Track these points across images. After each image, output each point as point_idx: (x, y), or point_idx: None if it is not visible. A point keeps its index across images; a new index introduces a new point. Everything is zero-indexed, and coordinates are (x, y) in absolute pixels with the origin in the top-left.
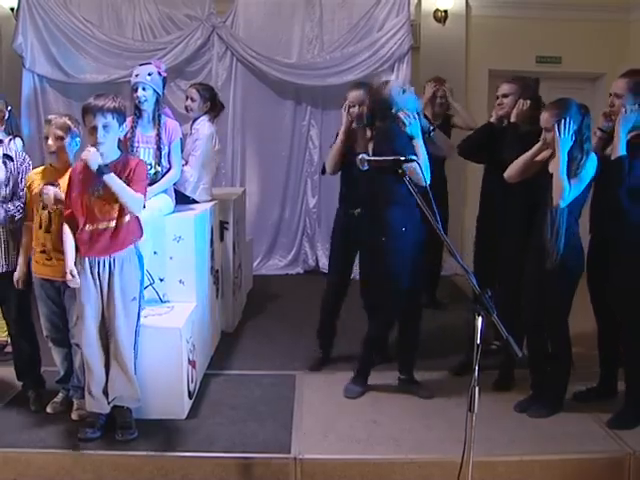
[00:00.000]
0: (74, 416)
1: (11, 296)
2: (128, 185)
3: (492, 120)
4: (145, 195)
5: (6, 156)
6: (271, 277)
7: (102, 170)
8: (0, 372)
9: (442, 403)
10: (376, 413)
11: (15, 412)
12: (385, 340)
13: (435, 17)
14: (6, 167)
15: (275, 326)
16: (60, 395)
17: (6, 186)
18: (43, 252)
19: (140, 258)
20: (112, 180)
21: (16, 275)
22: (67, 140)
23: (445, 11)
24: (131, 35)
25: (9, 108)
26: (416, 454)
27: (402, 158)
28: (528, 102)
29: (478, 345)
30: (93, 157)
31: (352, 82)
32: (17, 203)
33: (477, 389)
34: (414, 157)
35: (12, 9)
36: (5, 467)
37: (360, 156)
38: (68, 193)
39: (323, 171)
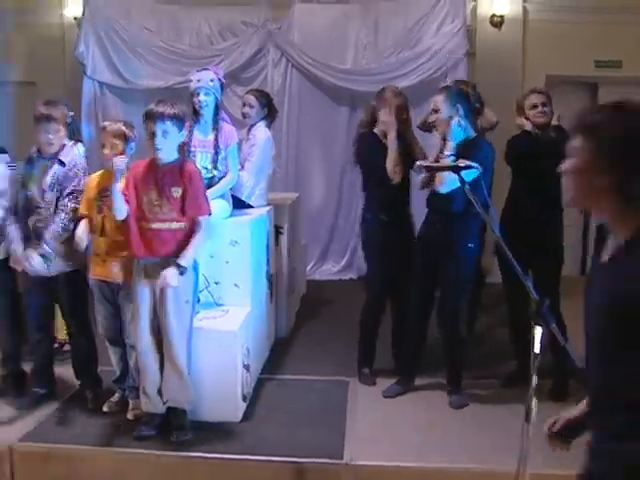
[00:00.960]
0: (130, 416)
1: (68, 297)
2: (185, 199)
3: (529, 129)
4: (208, 207)
5: (60, 162)
6: (324, 282)
7: (182, 272)
8: (59, 371)
9: (495, 411)
10: (429, 420)
11: (73, 410)
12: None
13: (491, 22)
14: (56, 172)
15: (328, 332)
16: (116, 395)
17: (52, 191)
18: (97, 255)
19: (195, 262)
20: (189, 261)
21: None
22: (122, 146)
23: (502, 16)
24: (188, 42)
25: (71, 114)
26: (470, 463)
27: (461, 165)
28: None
29: (536, 355)
30: (172, 280)
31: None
32: (63, 215)
33: (534, 400)
34: (474, 164)
35: (75, 18)
36: (62, 463)
37: (417, 163)
38: (125, 190)
39: (381, 182)
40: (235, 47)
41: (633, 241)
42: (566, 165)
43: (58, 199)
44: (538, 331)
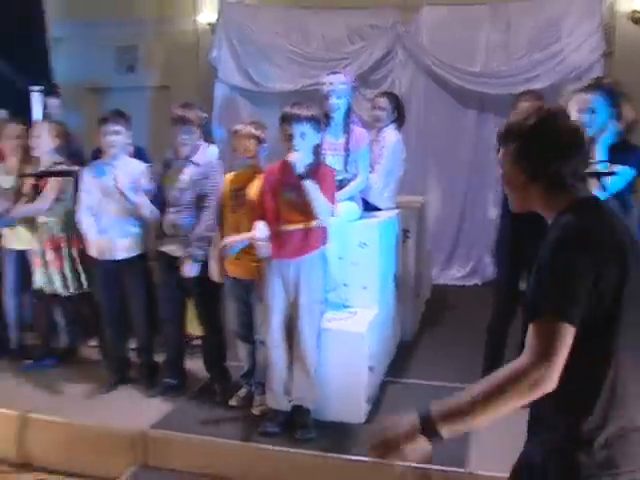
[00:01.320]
0: (255, 411)
1: (200, 292)
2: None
3: None
4: (335, 204)
5: (194, 163)
6: (448, 287)
7: (303, 175)
8: (189, 364)
9: None
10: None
11: (201, 402)
12: None
13: (632, 19)
14: (192, 173)
15: (452, 336)
16: (243, 389)
17: (189, 191)
18: None
19: (326, 263)
20: (310, 186)
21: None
22: (255, 148)
23: None
24: (317, 45)
25: (205, 116)
26: None
27: (603, 170)
28: None
29: None
30: (299, 161)
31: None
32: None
33: None
34: (617, 168)
35: (209, 25)
36: (192, 451)
37: None
38: (260, 195)
39: None
40: (363, 50)
41: (553, 221)
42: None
43: (195, 200)
44: None
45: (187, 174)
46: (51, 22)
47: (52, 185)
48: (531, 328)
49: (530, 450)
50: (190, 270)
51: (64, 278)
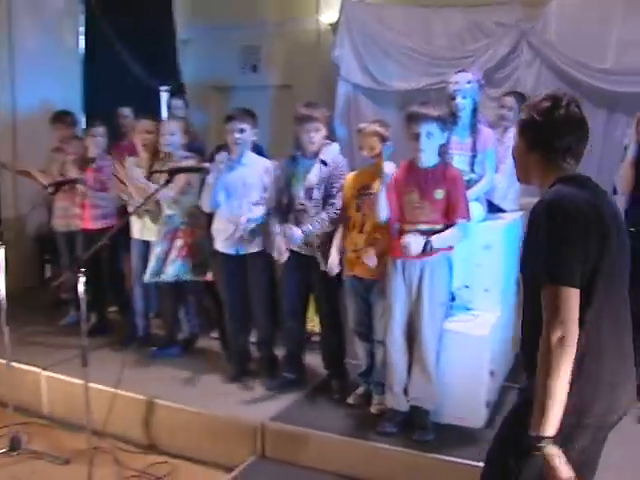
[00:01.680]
0: (373, 410)
1: (322, 289)
2: (448, 202)
3: None
4: (468, 212)
5: (322, 161)
6: None
7: (426, 250)
8: (308, 360)
9: None
10: None
11: (319, 398)
12: None
13: None
14: (320, 171)
15: None
16: (361, 388)
17: (318, 189)
18: (355, 251)
19: (451, 265)
20: (438, 245)
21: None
22: (379, 146)
23: None
24: (439, 43)
25: (328, 115)
26: None
27: None
28: None
29: None
30: (415, 248)
31: None
32: (332, 209)
33: None
34: None
35: (330, 24)
36: (308, 445)
37: None
38: (387, 194)
39: (614, 191)
40: (486, 48)
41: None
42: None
43: (323, 198)
44: None
45: (315, 173)
46: (179, 25)
47: (180, 177)
48: (542, 296)
49: (518, 393)
50: (333, 267)
51: (181, 270)
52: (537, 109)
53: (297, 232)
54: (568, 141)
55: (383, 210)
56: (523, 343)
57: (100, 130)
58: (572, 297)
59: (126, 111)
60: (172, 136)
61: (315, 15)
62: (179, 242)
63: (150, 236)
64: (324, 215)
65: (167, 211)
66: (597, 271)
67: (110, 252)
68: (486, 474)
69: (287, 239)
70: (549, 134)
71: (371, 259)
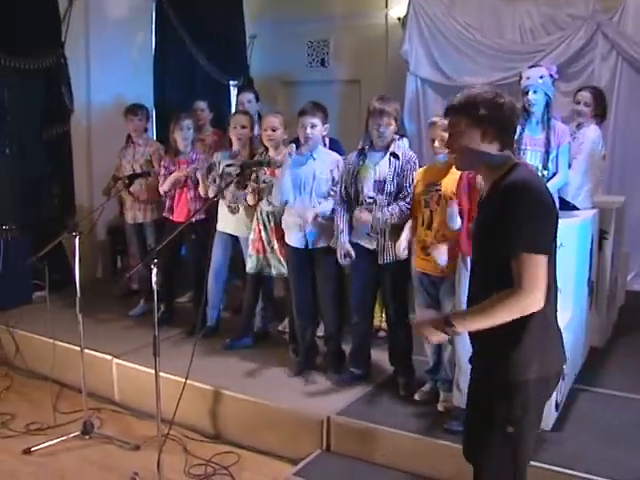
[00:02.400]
0: (440, 407)
1: (391, 285)
2: None
3: None
4: None
5: (393, 154)
6: None
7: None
8: (374, 355)
9: None
10: None
11: (385, 394)
12: None
13: None
14: (391, 164)
15: None
16: (428, 385)
17: (391, 183)
18: (423, 248)
19: None
20: None
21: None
22: None
23: None
24: (511, 37)
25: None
26: None
27: None
28: None
29: None
30: (442, 259)
31: None
32: (404, 202)
33: None
34: None
35: (399, 18)
36: (374, 441)
37: None
38: (457, 189)
39: None
40: (560, 41)
41: (500, 179)
42: (452, 141)
43: (395, 192)
44: None
45: (387, 165)
46: (248, 20)
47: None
48: (515, 263)
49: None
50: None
51: (281, 265)
52: (490, 103)
53: (365, 215)
54: (513, 134)
55: (454, 220)
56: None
57: (188, 123)
58: (545, 264)
59: (202, 105)
60: (274, 132)
61: (384, 9)
62: (272, 240)
63: (239, 232)
64: (395, 206)
65: (267, 207)
66: (554, 246)
67: (196, 244)
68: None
69: (356, 222)
70: (505, 124)
71: (442, 257)
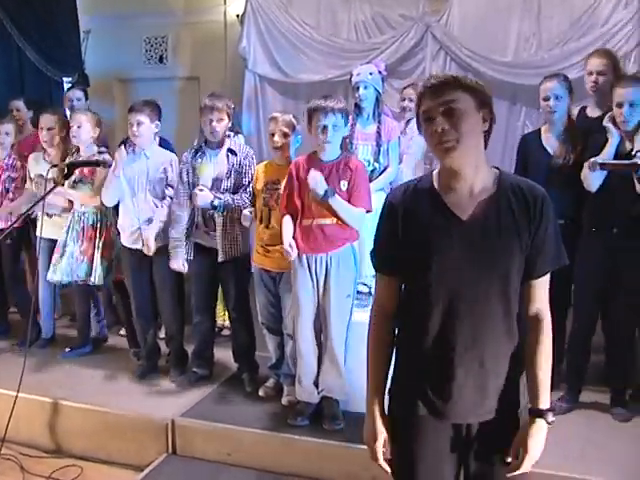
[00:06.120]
0: (284, 401)
1: (231, 283)
2: (351, 192)
3: None
4: (370, 202)
5: (230, 150)
6: None
7: (327, 194)
8: (218, 354)
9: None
10: (590, 432)
11: (230, 392)
12: None
13: None
14: (228, 161)
15: None
16: (271, 380)
17: (227, 179)
18: (261, 245)
19: (355, 257)
20: (337, 203)
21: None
22: (291, 137)
23: None
24: (346, 36)
25: (232, 106)
26: None
27: None
28: None
29: None
30: (319, 184)
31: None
32: (242, 195)
33: None
34: None
35: (237, 15)
36: (220, 440)
37: (591, 160)
38: (287, 188)
39: None
40: (392, 40)
41: (503, 181)
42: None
43: (231, 188)
44: None
45: (224, 163)
46: (82, 15)
47: (99, 176)
48: (540, 282)
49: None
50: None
51: (92, 268)
52: (475, 85)
53: (207, 195)
54: None
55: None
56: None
57: (8, 127)
58: None
59: (18, 104)
60: (79, 129)
61: (222, 5)
62: (98, 241)
63: (58, 234)
64: (237, 196)
65: (80, 208)
66: None
67: (11, 252)
68: None
69: (195, 198)
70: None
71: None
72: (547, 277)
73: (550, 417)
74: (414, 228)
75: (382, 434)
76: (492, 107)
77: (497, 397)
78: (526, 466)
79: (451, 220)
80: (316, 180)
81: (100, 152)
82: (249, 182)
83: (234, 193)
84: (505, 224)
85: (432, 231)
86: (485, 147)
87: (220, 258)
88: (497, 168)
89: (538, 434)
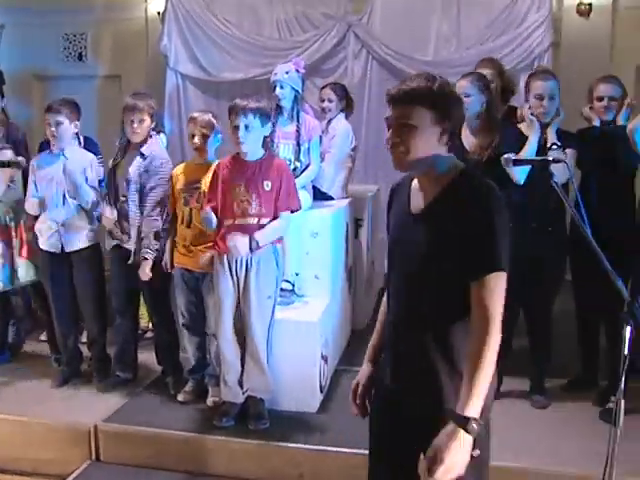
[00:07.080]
0: (209, 402)
1: (150, 285)
2: (279, 194)
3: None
4: (299, 202)
5: (140, 153)
6: None
7: (252, 248)
8: (141, 357)
9: (573, 414)
10: (508, 420)
11: (155, 395)
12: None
13: (578, 11)
14: (137, 164)
15: None
16: (190, 384)
17: (136, 182)
18: (183, 245)
19: (277, 257)
20: (263, 241)
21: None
22: (210, 137)
23: (589, 4)
24: (269, 34)
25: (155, 107)
26: (551, 466)
27: (550, 158)
28: None
29: (625, 356)
30: (242, 248)
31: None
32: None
33: (622, 402)
34: (562, 157)
35: (159, 13)
36: (145, 445)
37: (505, 156)
38: (210, 187)
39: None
40: (315, 39)
41: (451, 186)
42: (405, 137)
43: (141, 191)
44: (627, 331)
45: (135, 165)
46: None
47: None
48: (484, 283)
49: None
50: (146, 274)
51: (12, 270)
52: (454, 96)
53: (144, 271)
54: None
55: (211, 223)
56: (413, 340)
57: None
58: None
59: None
60: None
61: (143, 2)
62: (15, 241)
63: None
64: (147, 229)
65: None
66: None
67: None
68: None
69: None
70: (461, 122)
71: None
72: (488, 280)
73: (474, 428)
74: (391, 215)
75: (361, 381)
76: (458, 117)
77: (411, 385)
78: (440, 476)
79: (407, 213)
80: (238, 249)
81: (1, 149)
82: (157, 187)
83: (140, 195)
84: (441, 226)
85: (395, 220)
86: (450, 150)
87: (130, 260)
88: (465, 168)
89: (453, 443)
